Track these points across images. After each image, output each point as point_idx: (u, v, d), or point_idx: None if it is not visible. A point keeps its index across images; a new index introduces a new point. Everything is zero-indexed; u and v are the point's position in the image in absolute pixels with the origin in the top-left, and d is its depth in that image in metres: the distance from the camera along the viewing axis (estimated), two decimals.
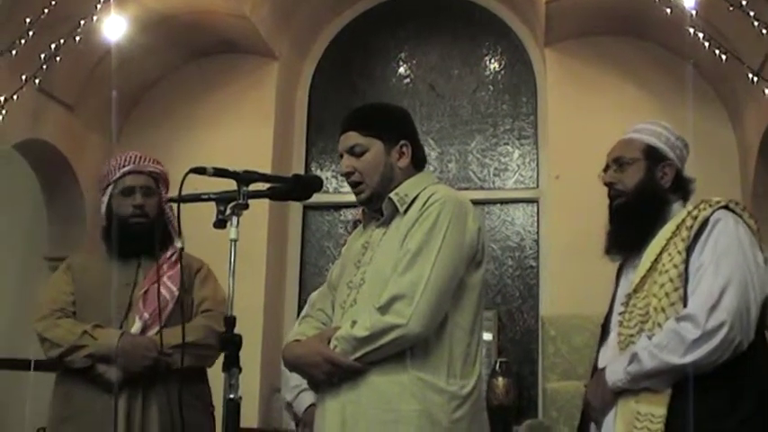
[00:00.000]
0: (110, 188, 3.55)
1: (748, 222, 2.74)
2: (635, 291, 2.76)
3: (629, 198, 2.90)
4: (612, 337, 2.82)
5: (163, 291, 3.40)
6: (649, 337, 2.61)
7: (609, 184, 2.95)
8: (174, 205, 3.52)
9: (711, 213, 2.72)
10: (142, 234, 3.44)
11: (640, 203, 2.88)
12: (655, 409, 2.56)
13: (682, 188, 2.93)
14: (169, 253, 3.56)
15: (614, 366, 2.68)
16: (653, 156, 2.91)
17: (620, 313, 2.79)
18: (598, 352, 2.93)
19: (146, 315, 3.38)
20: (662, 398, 2.57)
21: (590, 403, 2.78)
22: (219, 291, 3.58)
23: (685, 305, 2.61)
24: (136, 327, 3.37)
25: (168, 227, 3.59)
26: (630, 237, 2.88)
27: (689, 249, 2.68)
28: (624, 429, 2.61)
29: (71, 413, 3.37)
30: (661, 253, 2.74)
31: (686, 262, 2.66)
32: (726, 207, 2.75)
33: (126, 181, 3.51)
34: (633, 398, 2.62)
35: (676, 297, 2.63)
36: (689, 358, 2.51)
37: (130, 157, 3.55)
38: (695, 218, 2.72)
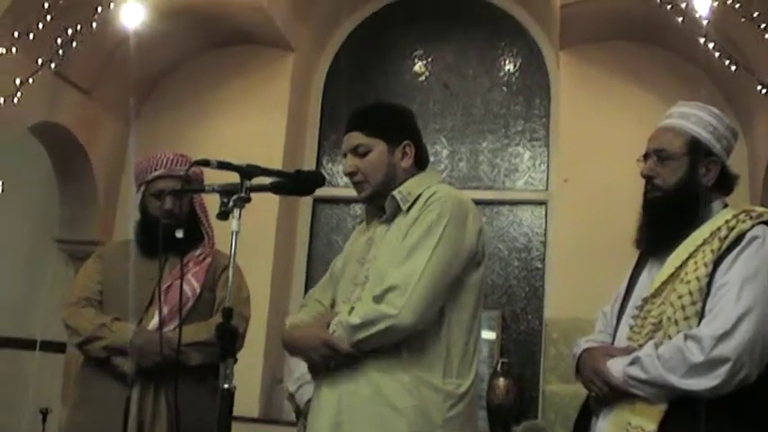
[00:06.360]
0: (143, 187, 3.61)
1: None
2: (652, 295, 2.62)
3: (666, 195, 2.70)
4: (621, 336, 2.70)
5: (185, 287, 3.45)
6: (657, 346, 2.49)
7: (647, 177, 2.75)
8: (207, 204, 3.59)
9: (750, 228, 2.54)
10: (170, 234, 3.41)
11: (678, 202, 2.67)
12: (646, 423, 2.45)
13: (725, 185, 2.73)
14: (198, 251, 3.60)
15: (615, 363, 2.56)
16: (697, 150, 2.68)
17: (633, 317, 2.66)
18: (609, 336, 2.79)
19: (165, 310, 3.43)
20: (656, 412, 2.45)
21: (594, 391, 2.66)
22: (243, 290, 3.61)
23: (701, 320, 2.46)
24: (153, 321, 3.43)
25: (200, 226, 3.63)
26: (664, 234, 2.69)
27: (717, 262, 2.51)
28: None
29: (89, 398, 3.47)
30: (687, 259, 2.58)
31: (711, 275, 2.50)
32: (767, 222, 2.57)
33: (158, 184, 3.55)
34: (629, 407, 2.52)
35: (692, 311, 2.49)
36: (687, 382, 2.40)
37: (163, 160, 3.57)
38: (731, 229, 2.54)
